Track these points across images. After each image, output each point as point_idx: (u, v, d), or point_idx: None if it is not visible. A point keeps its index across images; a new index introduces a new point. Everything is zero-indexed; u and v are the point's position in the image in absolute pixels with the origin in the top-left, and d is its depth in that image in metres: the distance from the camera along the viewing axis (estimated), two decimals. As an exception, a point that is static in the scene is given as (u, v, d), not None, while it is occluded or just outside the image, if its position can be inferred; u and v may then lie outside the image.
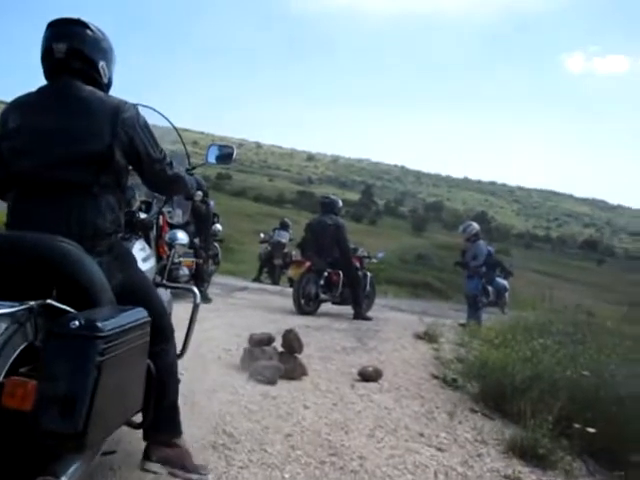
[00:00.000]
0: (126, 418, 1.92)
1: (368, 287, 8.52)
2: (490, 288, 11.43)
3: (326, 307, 8.32)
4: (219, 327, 5.71)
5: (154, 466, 2.15)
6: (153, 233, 2.86)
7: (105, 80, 2.27)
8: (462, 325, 8.09)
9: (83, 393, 1.50)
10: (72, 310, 1.70)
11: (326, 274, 8.01)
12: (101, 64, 2.23)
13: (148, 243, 2.75)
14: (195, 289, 2.77)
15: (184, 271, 7.40)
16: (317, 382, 4.02)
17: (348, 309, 8.13)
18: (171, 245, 6.16)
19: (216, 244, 9.59)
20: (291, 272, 8.86)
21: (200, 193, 2.80)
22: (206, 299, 7.63)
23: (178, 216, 3.24)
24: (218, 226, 9.50)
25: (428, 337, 6.20)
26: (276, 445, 2.74)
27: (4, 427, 1.53)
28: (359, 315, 7.89)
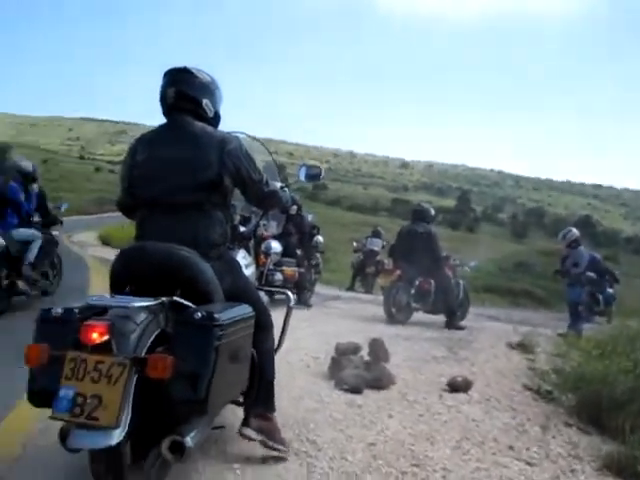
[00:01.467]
0: (237, 393, 2.40)
1: (461, 295, 8.35)
2: (600, 297, 10.90)
3: (418, 316, 8.24)
4: (310, 336, 5.79)
5: (251, 432, 2.53)
6: (252, 243, 3.24)
7: (211, 114, 2.67)
8: (561, 335, 7.74)
9: (205, 369, 1.94)
10: (192, 305, 2.14)
11: (417, 282, 7.92)
12: (205, 102, 2.64)
13: (248, 252, 3.11)
14: (289, 292, 3.18)
15: (278, 276, 7.97)
16: (404, 392, 3.99)
17: (441, 318, 8.01)
18: (267, 254, 6.65)
19: (318, 255, 10.05)
20: (381, 281, 8.89)
21: (295, 207, 3.05)
22: (307, 305, 8.42)
23: (273, 227, 3.54)
24: (320, 238, 9.99)
25: (523, 347, 6.00)
26: (357, 454, 2.75)
27: (146, 395, 1.93)
28: (452, 324, 7.76)
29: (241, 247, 3.01)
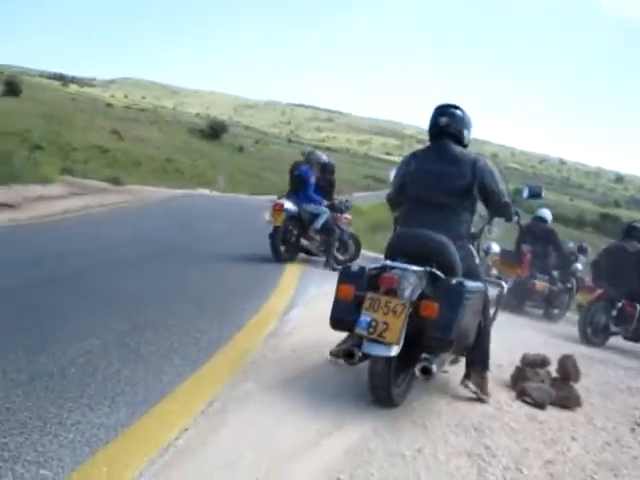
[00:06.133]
0: (466, 347, 3.20)
1: (672, 327, 7.50)
2: None
3: (617, 341, 7.61)
4: (495, 342, 5.59)
5: (470, 384, 3.42)
6: (478, 242, 3.85)
7: (466, 142, 3.61)
8: None
9: (456, 319, 2.84)
10: (443, 276, 3.07)
11: (620, 305, 7.31)
12: (465, 132, 3.58)
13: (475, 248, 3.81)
14: (502, 281, 4.11)
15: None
16: (591, 417, 3.73)
17: (642, 348, 7.32)
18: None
19: (574, 280, 9.74)
20: (580, 298, 8.37)
21: (516, 218, 3.85)
22: (552, 319, 9.23)
23: (494, 232, 4.03)
24: (579, 266, 9.82)
25: None
26: (533, 469, 2.65)
27: (416, 329, 2.86)
28: (656, 356, 7.03)
29: (471, 243, 3.65)
